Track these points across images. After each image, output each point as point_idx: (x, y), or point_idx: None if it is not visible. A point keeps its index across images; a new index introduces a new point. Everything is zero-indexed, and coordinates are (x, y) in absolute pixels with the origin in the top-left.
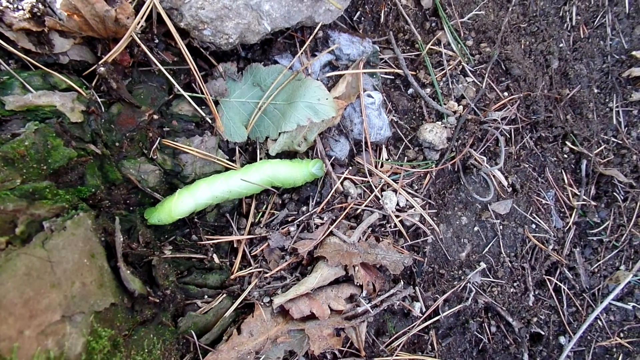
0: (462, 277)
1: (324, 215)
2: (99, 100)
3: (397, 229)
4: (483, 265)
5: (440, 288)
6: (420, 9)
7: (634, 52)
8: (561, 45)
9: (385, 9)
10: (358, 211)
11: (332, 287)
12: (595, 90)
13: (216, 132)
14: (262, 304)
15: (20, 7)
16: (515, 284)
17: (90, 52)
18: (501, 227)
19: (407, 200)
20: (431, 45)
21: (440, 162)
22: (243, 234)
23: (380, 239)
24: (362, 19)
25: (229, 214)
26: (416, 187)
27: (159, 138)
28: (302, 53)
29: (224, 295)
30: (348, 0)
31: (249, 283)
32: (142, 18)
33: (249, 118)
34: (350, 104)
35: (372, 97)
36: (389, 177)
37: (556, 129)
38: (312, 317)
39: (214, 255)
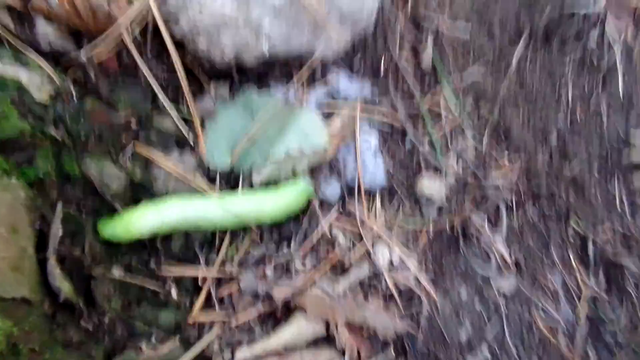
0: None
1: (306, 261)
2: (72, 89)
3: (388, 291)
4: (486, 353)
5: None
6: (421, 69)
7: (631, 140)
8: (558, 123)
9: (385, 60)
10: (346, 264)
11: (310, 349)
12: (597, 175)
13: (197, 155)
14: (221, 358)
15: None
16: None
17: (75, 46)
18: (505, 308)
19: (400, 259)
20: (430, 101)
21: (439, 222)
22: (211, 271)
23: (369, 299)
24: (362, 66)
25: (198, 246)
26: (412, 246)
27: (132, 144)
28: (297, 81)
29: (177, 340)
30: (348, 35)
31: (209, 331)
32: (133, 19)
33: (235, 146)
34: (345, 146)
35: (369, 141)
36: (382, 230)
37: (559, 207)
38: None
39: (173, 290)
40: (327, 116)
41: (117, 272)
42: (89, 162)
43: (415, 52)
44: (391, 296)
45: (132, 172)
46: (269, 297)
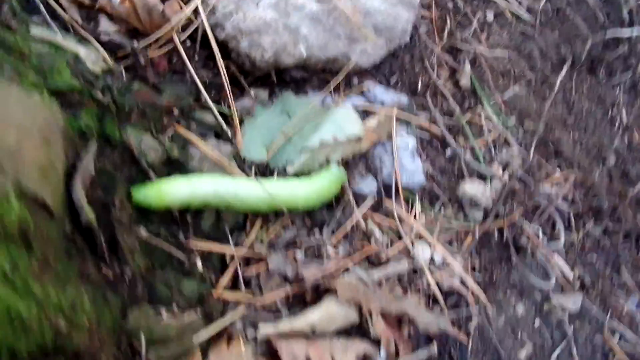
0: None
1: (339, 248)
2: (122, 71)
3: (430, 290)
4: None
5: None
6: (459, 89)
7: None
8: (615, 143)
9: (423, 80)
10: (382, 258)
11: (341, 338)
12: None
13: (234, 147)
14: (244, 335)
15: None
16: None
17: (131, 42)
18: (572, 328)
19: (444, 258)
20: (470, 115)
21: (485, 225)
22: (239, 250)
23: (408, 294)
24: (399, 81)
25: (228, 228)
26: (456, 247)
27: (173, 127)
28: (334, 87)
29: (198, 312)
30: (384, 48)
31: (234, 309)
32: (184, 22)
33: (271, 143)
34: (381, 144)
35: (406, 142)
36: (423, 228)
37: (626, 224)
38: None
39: (198, 262)
40: (364, 116)
41: (143, 232)
42: (130, 131)
43: (453, 73)
44: (434, 298)
45: (170, 148)
46: (298, 280)
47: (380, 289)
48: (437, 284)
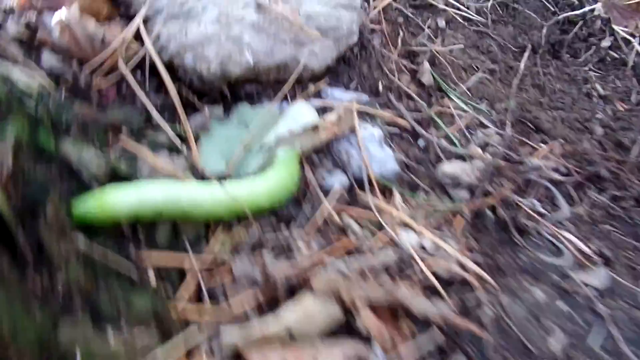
0: None
1: (312, 242)
2: (62, 93)
3: (427, 281)
4: None
5: None
6: (422, 88)
7: None
8: (598, 115)
9: (384, 83)
10: (364, 250)
11: (323, 339)
12: None
13: (190, 161)
14: (208, 349)
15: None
16: None
17: (71, 67)
18: (604, 306)
19: (435, 244)
20: (439, 108)
21: (473, 203)
22: (200, 259)
23: (398, 283)
24: (359, 89)
25: (187, 240)
26: (447, 231)
27: (120, 142)
28: (289, 92)
29: (152, 330)
30: (333, 50)
31: (196, 323)
32: (124, 43)
33: (231, 156)
34: (346, 140)
35: (372, 133)
36: (406, 216)
37: (632, 189)
38: None
39: (151, 274)
40: (323, 112)
41: (82, 242)
42: (68, 144)
43: (414, 75)
44: (432, 288)
45: (116, 163)
46: (267, 281)
47: (365, 280)
48: (433, 273)
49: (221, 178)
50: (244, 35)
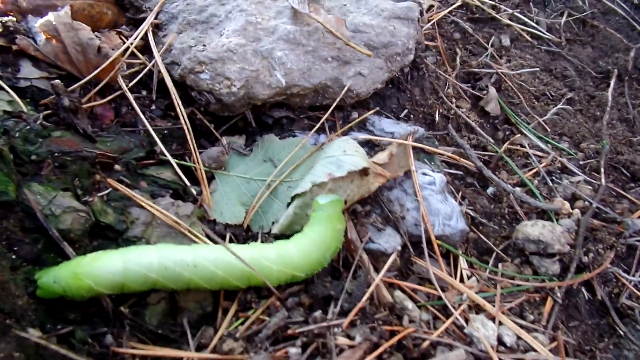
0: None
1: (354, 332)
2: (40, 118)
3: None
4: None
5: None
6: (487, 118)
7: None
8: None
9: (440, 111)
10: (424, 344)
11: None
12: None
13: (200, 206)
14: None
15: None
16: None
17: (53, 85)
18: None
19: (518, 337)
20: (509, 145)
21: (566, 277)
22: (203, 354)
23: None
24: (412, 118)
25: (188, 322)
26: (533, 317)
27: (109, 184)
28: (329, 127)
29: None
30: (384, 71)
31: None
32: (126, 54)
33: (252, 200)
34: (399, 185)
35: (431, 176)
36: (476, 294)
37: None
38: None
39: None
40: (370, 150)
41: (33, 333)
42: (35, 189)
43: (476, 102)
44: None
45: (100, 211)
46: None
47: None
48: None
49: (238, 233)
50: (275, 50)
